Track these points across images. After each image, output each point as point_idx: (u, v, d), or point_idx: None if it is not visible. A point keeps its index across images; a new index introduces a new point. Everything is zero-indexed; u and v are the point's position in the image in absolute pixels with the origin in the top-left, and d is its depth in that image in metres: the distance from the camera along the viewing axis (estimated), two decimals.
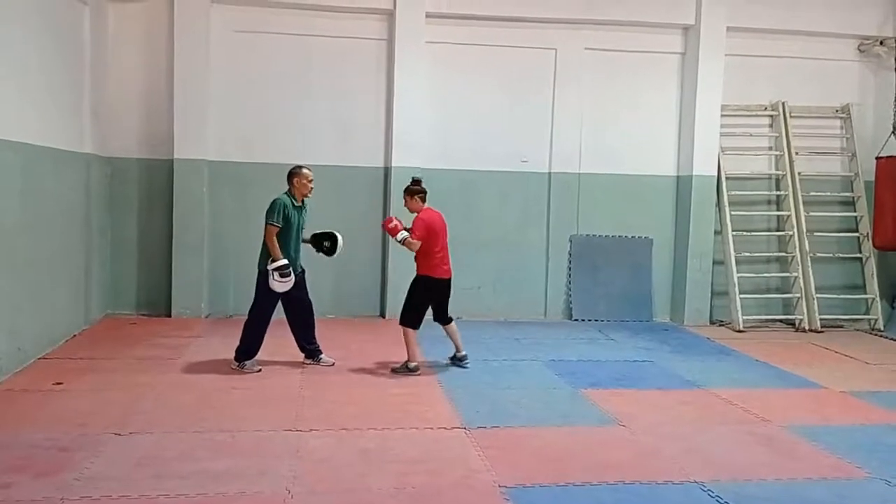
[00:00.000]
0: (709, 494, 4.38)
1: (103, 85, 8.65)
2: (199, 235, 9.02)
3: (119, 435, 5.00)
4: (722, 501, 4.28)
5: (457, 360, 7.18)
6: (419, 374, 6.83)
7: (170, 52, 8.85)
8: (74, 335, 7.87)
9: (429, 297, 6.89)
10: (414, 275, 6.96)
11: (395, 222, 6.78)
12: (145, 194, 9.10)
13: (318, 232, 7.03)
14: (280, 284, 6.53)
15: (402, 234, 6.69)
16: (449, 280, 6.98)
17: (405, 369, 6.87)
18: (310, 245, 7.01)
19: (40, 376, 6.37)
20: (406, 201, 6.91)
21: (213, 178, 9.09)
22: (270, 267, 6.50)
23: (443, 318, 7.06)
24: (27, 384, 6.13)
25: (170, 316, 9.01)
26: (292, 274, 6.57)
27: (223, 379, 6.50)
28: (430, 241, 6.74)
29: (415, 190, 6.87)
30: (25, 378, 6.31)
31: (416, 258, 6.89)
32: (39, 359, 6.88)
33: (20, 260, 6.58)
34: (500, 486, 4.40)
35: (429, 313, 7.01)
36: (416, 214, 6.83)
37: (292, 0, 9.00)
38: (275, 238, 6.51)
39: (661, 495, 4.37)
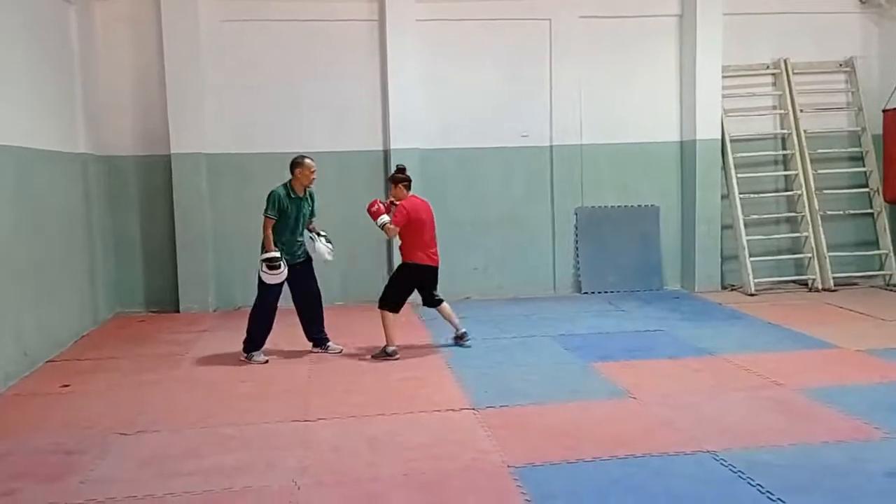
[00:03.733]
0: (721, 463, 4.30)
1: (94, 83, 8.58)
2: (201, 229, 8.97)
3: (125, 435, 4.97)
4: (735, 470, 4.20)
5: (458, 340, 7.10)
6: (426, 356, 6.80)
7: (159, 46, 8.76)
8: (82, 336, 7.86)
9: (413, 284, 6.84)
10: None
11: (378, 205, 6.65)
12: (145, 191, 9.06)
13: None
14: (269, 276, 6.52)
15: (383, 219, 6.59)
16: (436, 268, 6.90)
17: (383, 354, 6.77)
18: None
19: (48, 379, 6.35)
20: (391, 190, 6.84)
21: (211, 171, 9.03)
22: (261, 258, 6.50)
23: (431, 301, 6.98)
24: (34, 388, 6.13)
25: (178, 311, 9.00)
26: (283, 266, 6.53)
27: (231, 372, 6.48)
28: (413, 228, 6.67)
29: (399, 178, 6.77)
30: (33, 382, 6.30)
31: (400, 246, 6.82)
32: (47, 362, 6.87)
33: (21, 264, 6.54)
34: (509, 467, 4.34)
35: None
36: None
37: None
38: (269, 230, 6.49)
39: (672, 467, 4.29)
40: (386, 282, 7.20)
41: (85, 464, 4.51)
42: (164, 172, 8.91)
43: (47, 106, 7.42)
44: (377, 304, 6.83)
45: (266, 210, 6.52)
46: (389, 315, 6.76)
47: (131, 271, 9.09)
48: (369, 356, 6.83)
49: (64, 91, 7.84)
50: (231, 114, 9.08)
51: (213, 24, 8.93)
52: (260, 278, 6.65)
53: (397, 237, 6.78)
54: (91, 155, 8.35)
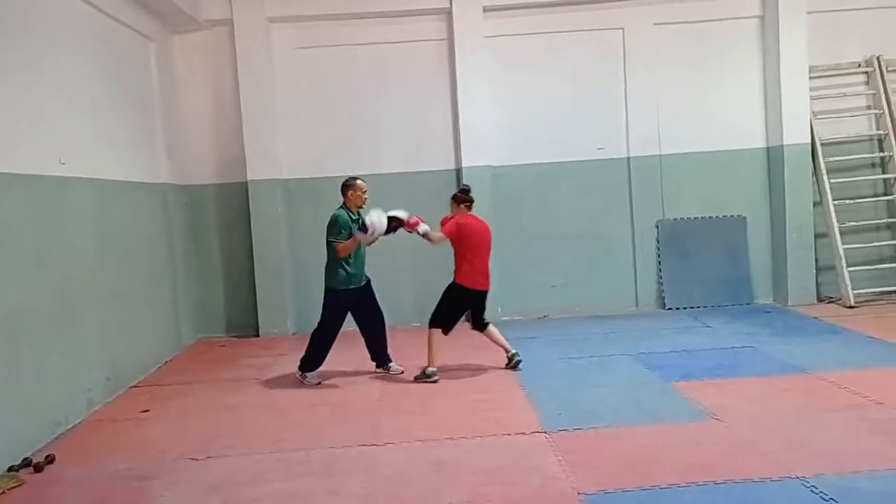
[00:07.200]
0: (812, 491, 3.97)
1: (174, 115, 8.85)
2: (279, 254, 9.09)
3: (196, 460, 5.01)
4: (826, 498, 3.87)
5: (510, 362, 6.87)
6: (499, 377, 6.62)
7: (234, 76, 8.98)
8: (166, 361, 8.05)
9: (462, 306, 6.67)
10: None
11: (414, 217, 6.47)
12: (224, 218, 9.26)
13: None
14: (375, 226, 6.24)
15: (424, 227, 6.43)
16: (485, 293, 6.73)
17: (424, 376, 6.62)
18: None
19: (130, 405, 6.50)
20: (451, 208, 6.74)
21: (288, 197, 9.16)
22: (369, 235, 6.29)
23: (478, 325, 6.85)
24: (116, 413, 6.27)
25: (258, 335, 9.13)
26: (375, 222, 6.26)
27: (304, 395, 6.48)
28: (466, 246, 6.52)
29: (461, 198, 6.69)
30: (116, 407, 6.46)
31: (454, 265, 6.64)
32: (131, 387, 7.05)
33: (106, 292, 6.76)
34: (580, 494, 4.13)
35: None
36: None
37: (347, 11, 8.98)
38: (344, 245, 6.47)
39: (756, 495, 3.98)
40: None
41: (155, 489, 4.56)
42: (242, 199, 9.09)
43: (130, 138, 7.67)
44: (428, 324, 6.69)
45: (335, 235, 6.53)
46: (437, 334, 6.62)
47: (213, 297, 9.29)
48: (413, 378, 6.71)
49: (145, 123, 8.11)
50: (306, 139, 9.21)
51: (286, 52, 9.10)
52: (326, 303, 6.68)
53: (451, 256, 6.62)
54: (172, 184, 8.60)
